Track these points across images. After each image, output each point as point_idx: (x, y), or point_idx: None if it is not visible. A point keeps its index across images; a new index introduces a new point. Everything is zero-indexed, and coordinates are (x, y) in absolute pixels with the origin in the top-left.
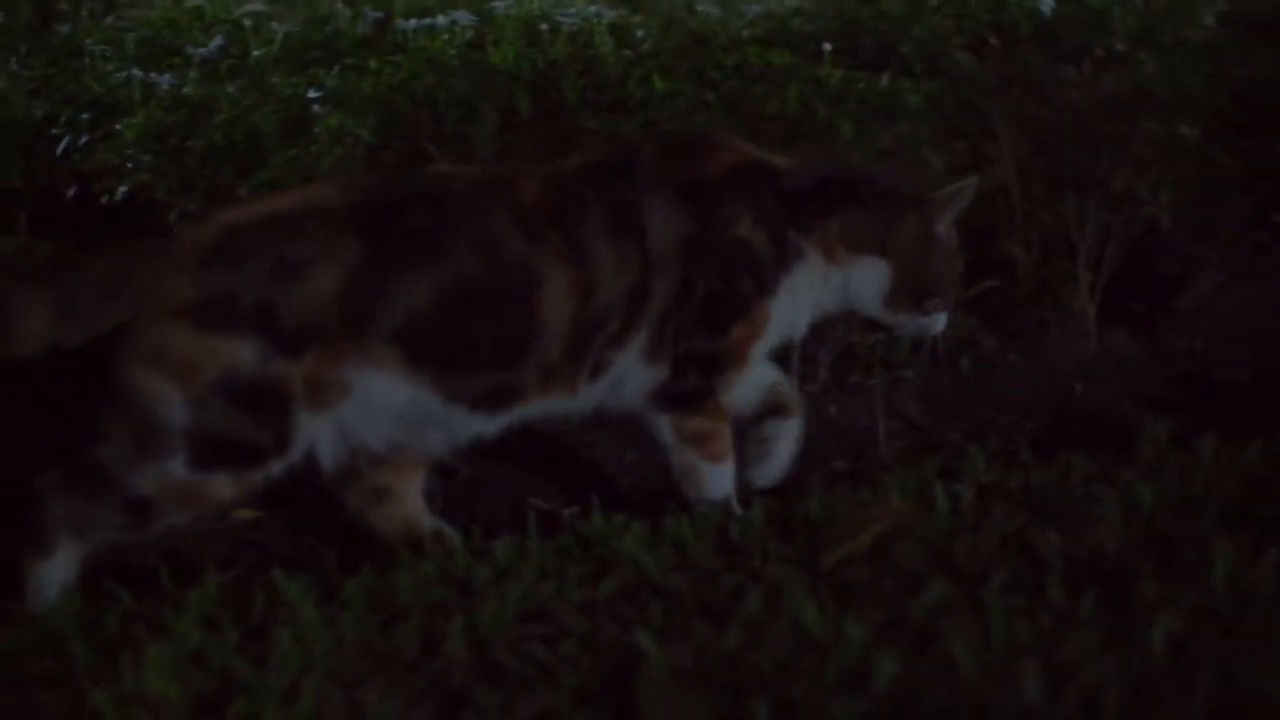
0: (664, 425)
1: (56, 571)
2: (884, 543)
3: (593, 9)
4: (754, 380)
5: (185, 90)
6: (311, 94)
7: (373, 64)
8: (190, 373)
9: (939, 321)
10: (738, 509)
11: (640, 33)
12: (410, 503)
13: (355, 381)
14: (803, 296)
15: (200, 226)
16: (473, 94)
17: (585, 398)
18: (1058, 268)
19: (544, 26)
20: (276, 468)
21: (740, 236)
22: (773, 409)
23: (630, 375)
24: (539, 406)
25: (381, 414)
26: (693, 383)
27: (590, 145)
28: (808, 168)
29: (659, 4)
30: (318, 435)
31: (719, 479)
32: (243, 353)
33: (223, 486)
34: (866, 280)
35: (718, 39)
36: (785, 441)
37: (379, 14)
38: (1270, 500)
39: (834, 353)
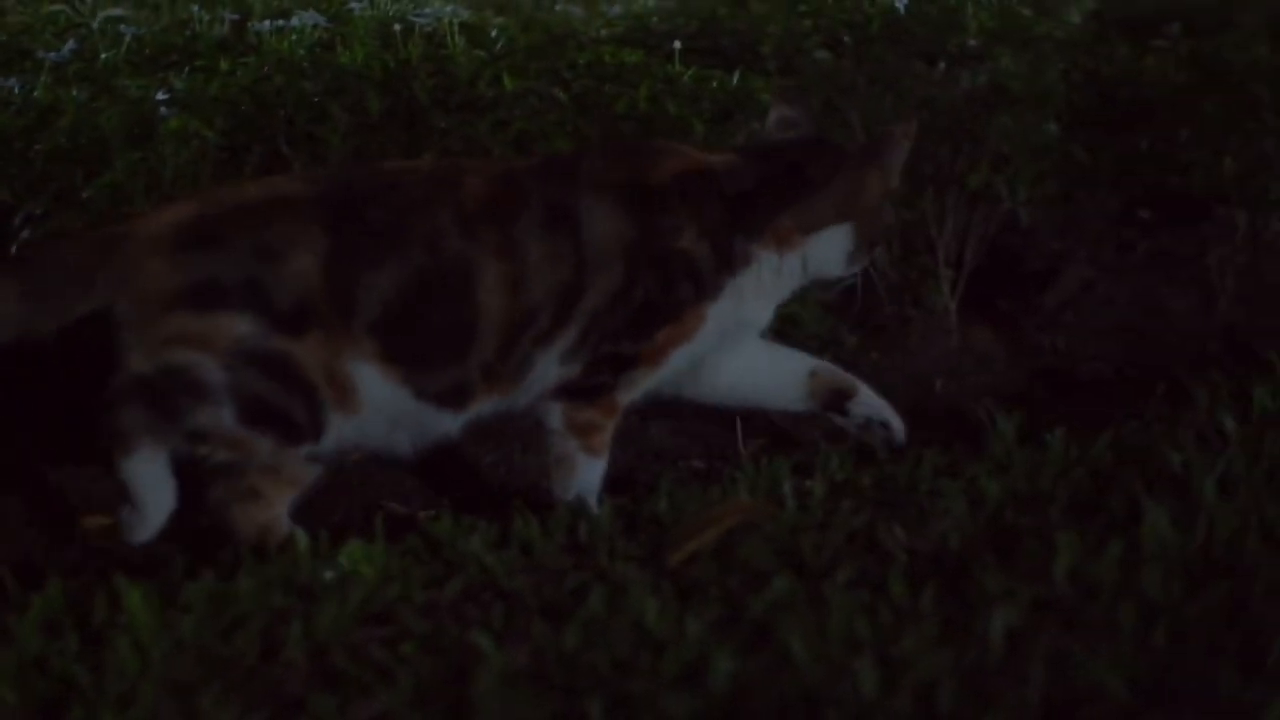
0: (555, 411)
1: (146, 463)
2: (732, 540)
3: (449, 8)
4: (789, 371)
5: (35, 94)
6: (160, 96)
7: (223, 65)
8: (208, 343)
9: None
10: (595, 510)
11: (494, 32)
12: (276, 512)
13: (358, 379)
14: (752, 294)
15: (166, 211)
16: (323, 95)
17: (521, 395)
18: (919, 265)
19: (397, 27)
20: (297, 453)
21: (682, 248)
22: (832, 396)
23: (547, 372)
24: (488, 404)
25: (380, 413)
26: (599, 379)
27: (441, 145)
28: (750, 161)
29: (522, 4)
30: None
31: (591, 473)
32: (241, 327)
33: (265, 451)
34: (829, 249)
35: (575, 38)
36: (877, 407)
37: (235, 16)
38: (1118, 493)
39: None
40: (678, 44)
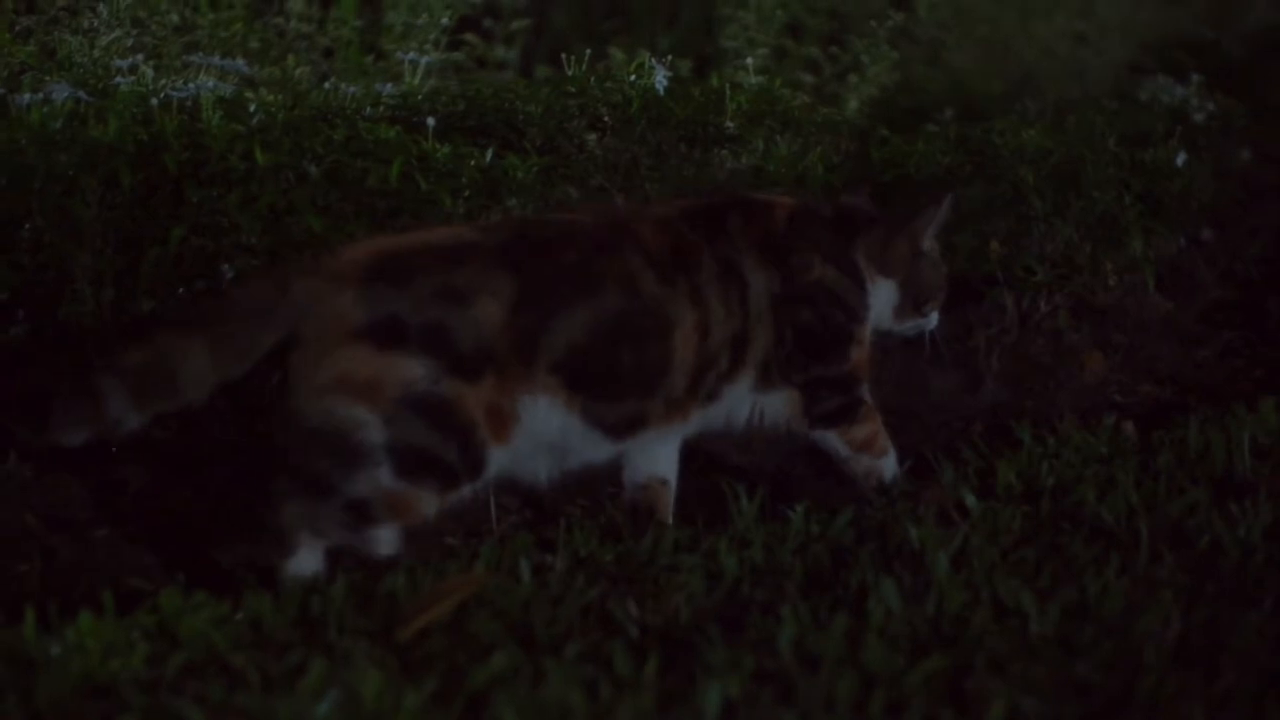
0: (833, 441)
1: (304, 565)
2: (465, 615)
3: (210, 83)
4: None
5: None
6: None
7: None
8: (376, 391)
9: (933, 320)
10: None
11: (253, 107)
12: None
13: (524, 412)
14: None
15: (352, 249)
16: (76, 168)
17: (710, 421)
18: None
19: (154, 101)
20: (468, 490)
21: (815, 278)
22: None
23: (741, 400)
24: (656, 432)
25: (536, 442)
26: (834, 404)
27: (194, 220)
28: (821, 204)
29: (296, 81)
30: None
31: (890, 466)
32: (415, 370)
33: (426, 501)
34: (882, 298)
35: (340, 114)
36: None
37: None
38: (855, 568)
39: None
40: (431, 121)
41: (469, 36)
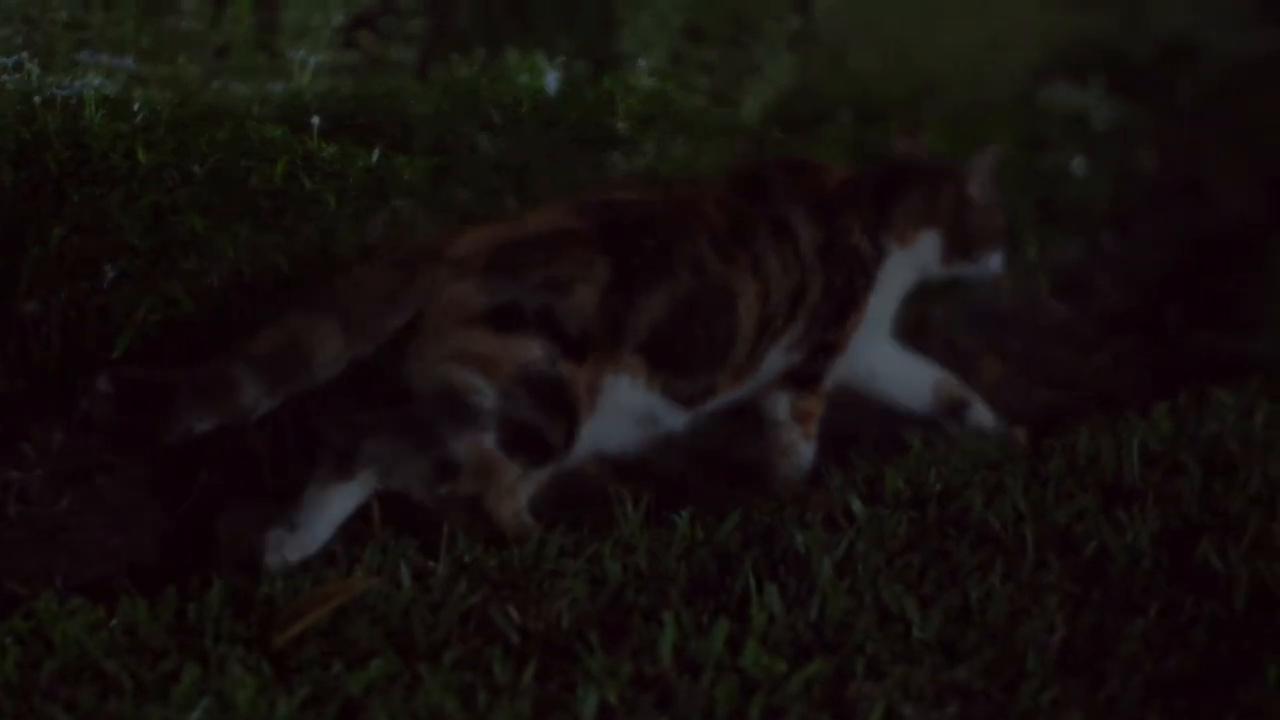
0: (783, 402)
1: (349, 496)
2: (344, 621)
3: (97, 81)
4: (919, 376)
5: None
6: None
7: None
8: (494, 367)
9: (995, 263)
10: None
11: (137, 106)
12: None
13: (609, 390)
14: (889, 285)
15: (469, 238)
16: None
17: (751, 386)
18: None
19: (37, 99)
20: (552, 467)
21: (854, 244)
22: (951, 405)
23: (774, 364)
24: (723, 399)
25: (619, 418)
26: (814, 369)
27: (76, 218)
28: (867, 170)
29: (185, 79)
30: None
31: (808, 456)
32: (535, 351)
33: (511, 474)
34: (927, 250)
35: (229, 113)
36: (989, 419)
37: None
38: (740, 572)
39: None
40: (316, 120)
41: (364, 36)
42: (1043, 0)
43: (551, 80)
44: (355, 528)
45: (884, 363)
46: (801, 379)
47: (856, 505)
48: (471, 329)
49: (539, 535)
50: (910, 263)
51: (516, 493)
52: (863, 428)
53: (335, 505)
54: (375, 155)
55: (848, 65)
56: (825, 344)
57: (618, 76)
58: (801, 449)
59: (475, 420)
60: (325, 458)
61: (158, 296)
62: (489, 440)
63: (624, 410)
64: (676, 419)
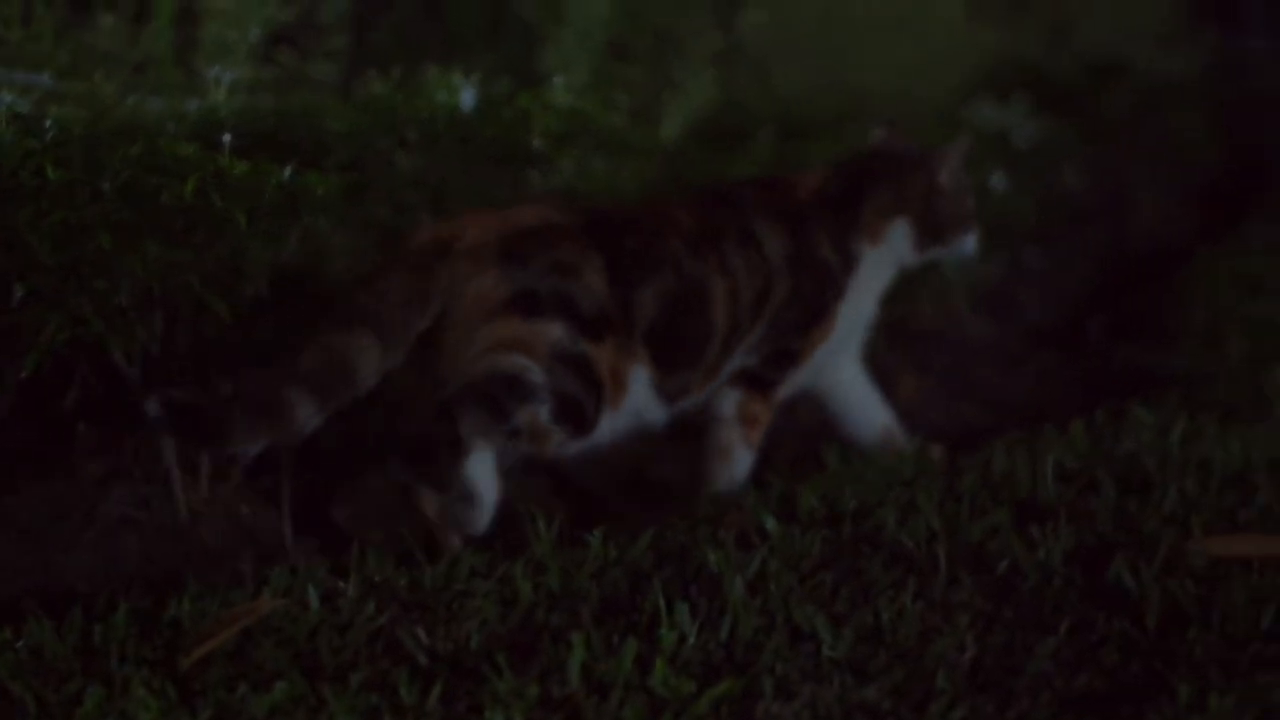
0: (731, 399)
1: (482, 463)
2: (251, 642)
3: (9, 98)
4: (873, 412)
5: None
6: None
7: None
8: (532, 348)
9: (968, 245)
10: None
11: (48, 123)
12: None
13: (630, 378)
14: (864, 291)
15: (477, 228)
16: None
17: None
18: None
19: None
20: (575, 445)
21: (823, 257)
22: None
23: (733, 366)
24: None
25: (629, 412)
26: (771, 375)
27: None
28: (836, 172)
29: (102, 97)
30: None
31: (745, 465)
32: (557, 332)
33: (557, 441)
34: (899, 240)
35: (142, 130)
36: None
37: None
38: (653, 592)
39: (253, 453)
40: (227, 137)
41: (284, 53)
42: (970, 20)
43: (467, 97)
44: (265, 547)
45: (847, 387)
46: (755, 381)
47: (770, 523)
48: (501, 319)
49: (450, 555)
50: (885, 259)
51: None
52: (781, 445)
53: (485, 472)
54: (287, 172)
55: (772, 83)
56: (787, 351)
57: (535, 94)
58: (739, 454)
59: (534, 394)
60: (441, 445)
61: (66, 315)
62: (544, 413)
63: (632, 403)
64: (659, 415)
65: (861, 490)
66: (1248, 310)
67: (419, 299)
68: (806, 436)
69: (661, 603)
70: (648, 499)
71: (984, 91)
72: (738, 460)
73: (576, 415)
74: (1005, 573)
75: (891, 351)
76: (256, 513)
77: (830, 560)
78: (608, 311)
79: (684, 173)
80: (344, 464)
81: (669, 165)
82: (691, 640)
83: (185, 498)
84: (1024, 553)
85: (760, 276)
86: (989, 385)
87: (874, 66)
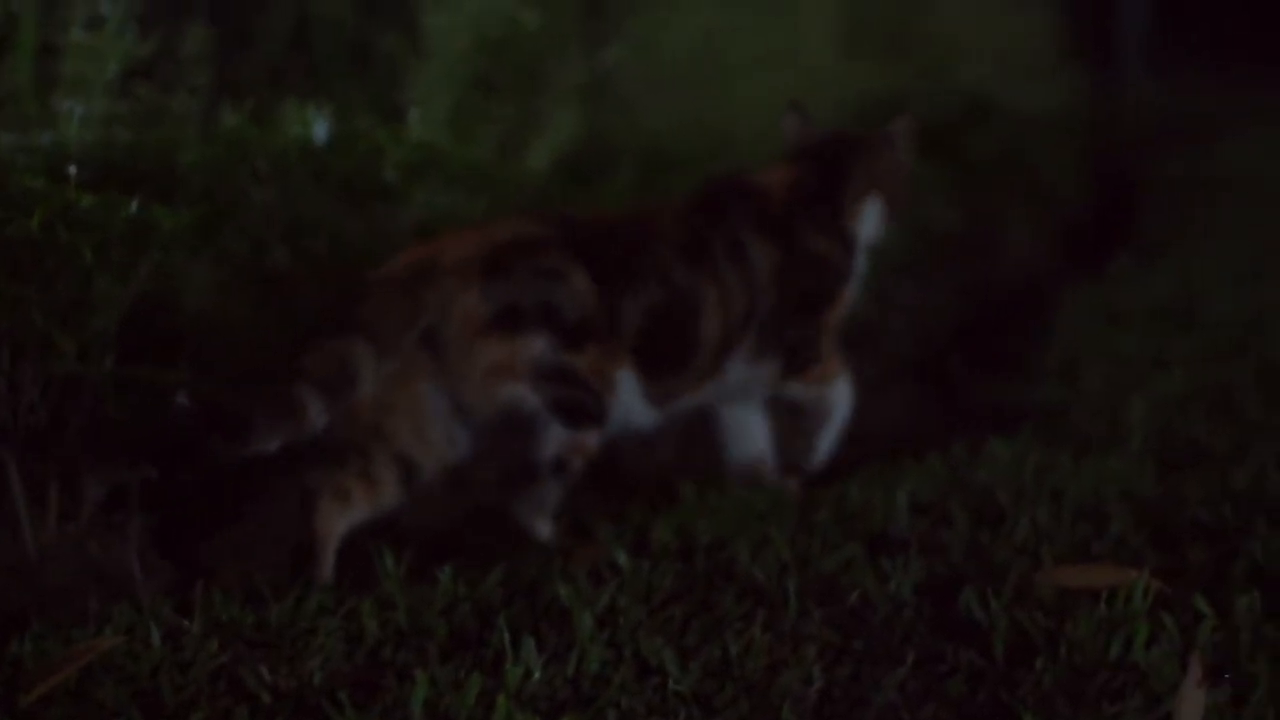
0: (791, 386)
1: (543, 534)
2: (94, 680)
3: None
4: (759, 441)
5: None
6: None
7: None
8: (516, 370)
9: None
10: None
11: None
12: None
13: (617, 381)
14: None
15: (461, 244)
16: None
17: (711, 393)
18: None
19: None
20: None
21: (818, 250)
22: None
23: (737, 372)
24: (684, 402)
25: (617, 411)
26: (806, 356)
27: None
28: (809, 163)
29: None
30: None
31: (844, 401)
32: (538, 347)
33: (592, 438)
34: (872, 218)
35: None
36: None
37: None
38: (499, 628)
39: (103, 489)
40: (73, 169)
41: (143, 86)
42: (844, 57)
43: (321, 130)
44: (114, 584)
45: (742, 408)
46: (799, 368)
47: (622, 557)
48: (487, 338)
49: (296, 593)
50: (863, 239)
51: None
52: (637, 479)
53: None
54: (134, 205)
55: (639, 118)
56: (807, 337)
57: (392, 128)
58: (832, 390)
59: (536, 424)
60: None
61: None
62: (560, 430)
63: (623, 406)
64: (646, 417)
65: (716, 523)
66: (1107, 344)
67: (409, 317)
68: (664, 470)
69: (507, 638)
70: (502, 533)
71: (854, 127)
72: (831, 396)
73: (583, 412)
74: (855, 605)
75: None
76: (106, 551)
77: (682, 594)
78: (591, 318)
79: (545, 206)
80: (197, 502)
81: (531, 198)
82: (538, 675)
83: (33, 536)
84: (875, 585)
85: (750, 286)
86: (853, 418)
87: (743, 102)
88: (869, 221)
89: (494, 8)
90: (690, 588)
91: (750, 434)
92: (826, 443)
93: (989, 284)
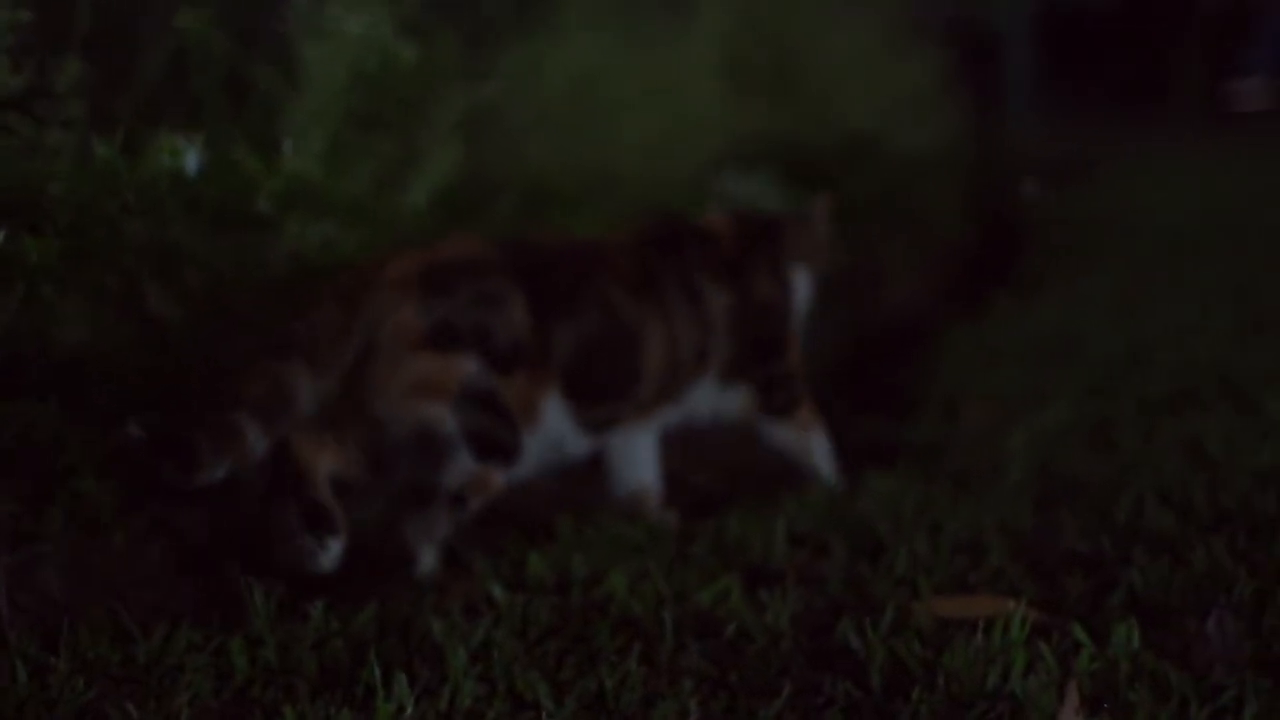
0: (777, 428)
1: (427, 564)
2: None
3: None
4: (647, 472)
5: None
6: None
7: None
8: (443, 389)
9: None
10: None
11: None
12: None
13: (543, 409)
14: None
15: (403, 261)
16: None
17: (673, 415)
18: None
19: None
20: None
21: (771, 297)
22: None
23: (703, 397)
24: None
25: (544, 439)
26: (785, 395)
27: None
28: (748, 215)
29: None
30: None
31: (822, 441)
32: (469, 366)
33: (498, 477)
34: (801, 283)
35: None
36: None
37: None
38: (376, 663)
39: None
40: None
41: (15, 119)
42: (726, 94)
43: (192, 161)
44: None
45: (634, 440)
46: (779, 408)
47: (498, 591)
48: (418, 353)
49: (164, 631)
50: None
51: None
52: (514, 513)
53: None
54: (1, 236)
55: (520, 154)
56: (782, 376)
57: (265, 160)
58: (813, 436)
59: (453, 449)
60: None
61: None
62: (468, 461)
63: (548, 431)
64: (580, 445)
65: (593, 557)
66: (987, 379)
67: (345, 330)
68: (545, 503)
69: (377, 674)
70: (376, 567)
71: (735, 164)
72: (814, 440)
73: (496, 447)
74: (733, 637)
75: None
76: None
77: (558, 628)
78: (523, 344)
79: (421, 239)
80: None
81: (408, 233)
82: (410, 711)
83: None
84: (752, 617)
85: (700, 324)
86: (725, 452)
87: (625, 138)
88: (801, 283)
89: (371, 41)
90: (566, 621)
91: (638, 463)
92: (825, 463)
93: (869, 321)
